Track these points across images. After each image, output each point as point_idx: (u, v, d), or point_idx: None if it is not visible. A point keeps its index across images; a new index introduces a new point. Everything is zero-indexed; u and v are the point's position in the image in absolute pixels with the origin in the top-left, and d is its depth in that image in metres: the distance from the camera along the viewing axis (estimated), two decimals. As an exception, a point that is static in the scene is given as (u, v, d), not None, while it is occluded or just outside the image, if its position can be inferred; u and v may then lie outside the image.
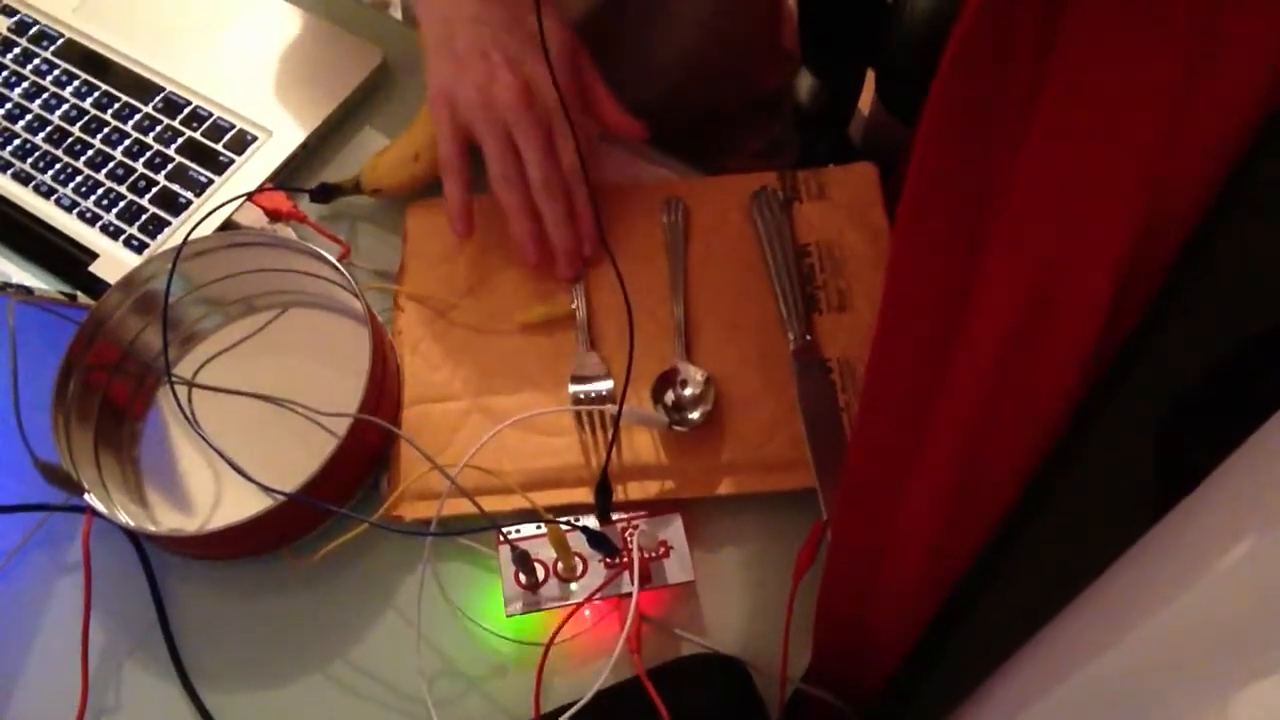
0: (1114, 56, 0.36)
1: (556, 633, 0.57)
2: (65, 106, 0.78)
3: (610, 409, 0.64)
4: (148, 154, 0.76)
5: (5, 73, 0.80)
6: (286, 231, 0.73)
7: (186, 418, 0.65)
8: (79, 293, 0.71)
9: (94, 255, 0.73)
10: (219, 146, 0.76)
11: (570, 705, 0.53)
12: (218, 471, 0.66)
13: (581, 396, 0.65)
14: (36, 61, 0.81)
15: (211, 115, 0.78)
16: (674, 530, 0.61)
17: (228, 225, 0.73)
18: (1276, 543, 0.30)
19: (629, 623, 0.56)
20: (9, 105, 0.79)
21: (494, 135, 0.65)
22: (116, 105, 0.78)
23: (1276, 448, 0.34)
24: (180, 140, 0.77)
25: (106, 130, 0.77)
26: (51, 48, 0.81)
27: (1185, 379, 0.39)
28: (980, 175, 0.39)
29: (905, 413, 0.45)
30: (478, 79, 0.64)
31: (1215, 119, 0.36)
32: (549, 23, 0.64)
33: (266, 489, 0.58)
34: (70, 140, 0.77)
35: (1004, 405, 0.42)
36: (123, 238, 0.73)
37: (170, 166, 0.76)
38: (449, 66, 0.65)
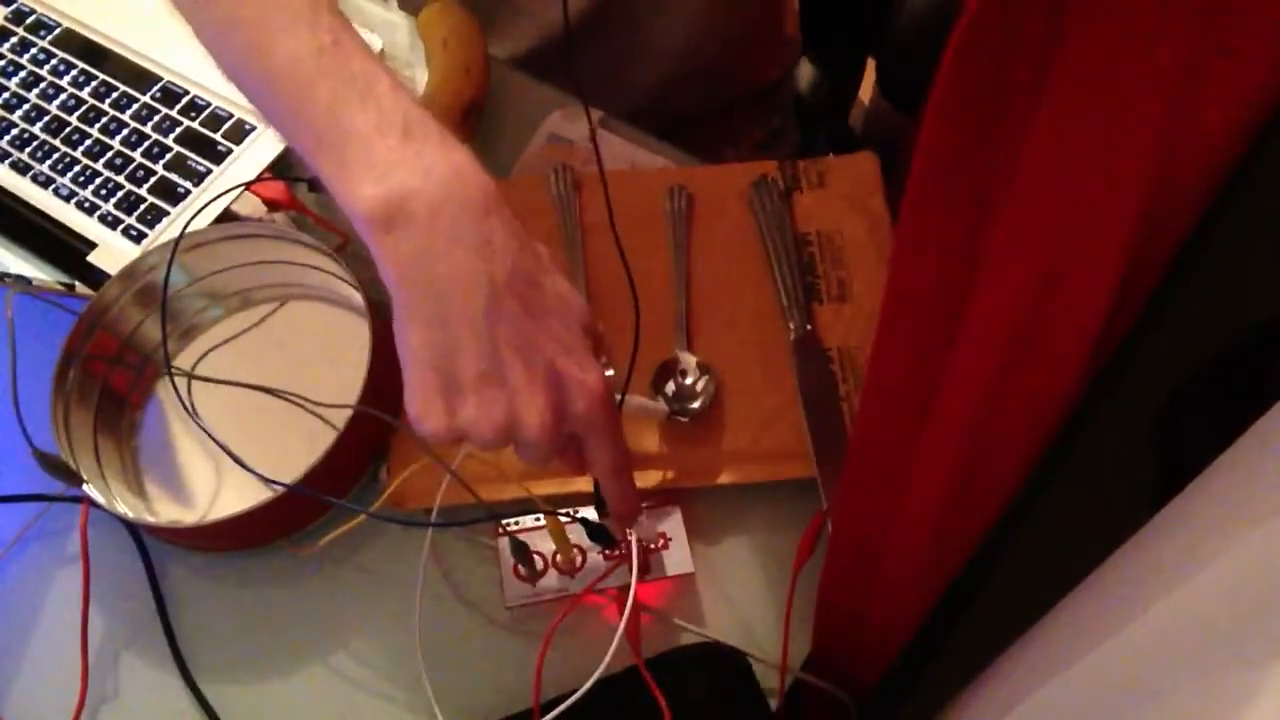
0: (1119, 48, 0.35)
1: (556, 623, 0.57)
2: (63, 96, 0.78)
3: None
4: (146, 143, 0.76)
5: (3, 62, 0.80)
6: (285, 221, 0.73)
7: (186, 409, 0.65)
8: (77, 283, 0.71)
9: (92, 245, 0.73)
10: (217, 136, 0.76)
11: (569, 695, 0.53)
12: (217, 463, 0.66)
13: (581, 387, 0.65)
14: (34, 50, 0.80)
15: (210, 104, 0.77)
16: (673, 522, 0.61)
17: (226, 215, 0.73)
18: (1275, 535, 0.30)
19: (627, 613, 0.56)
20: (6, 94, 0.79)
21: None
22: (114, 94, 0.78)
23: (1275, 440, 0.34)
24: (178, 129, 0.76)
25: (104, 119, 0.77)
26: (49, 36, 0.81)
27: (1185, 373, 0.39)
28: (985, 167, 0.39)
29: (907, 404, 0.45)
30: (495, 416, 0.45)
31: (1220, 114, 0.36)
32: (566, 284, 0.49)
33: (266, 480, 0.58)
34: (68, 129, 0.77)
35: (1006, 397, 0.42)
36: (121, 227, 0.73)
37: (168, 156, 0.75)
38: (447, 403, 0.45)
